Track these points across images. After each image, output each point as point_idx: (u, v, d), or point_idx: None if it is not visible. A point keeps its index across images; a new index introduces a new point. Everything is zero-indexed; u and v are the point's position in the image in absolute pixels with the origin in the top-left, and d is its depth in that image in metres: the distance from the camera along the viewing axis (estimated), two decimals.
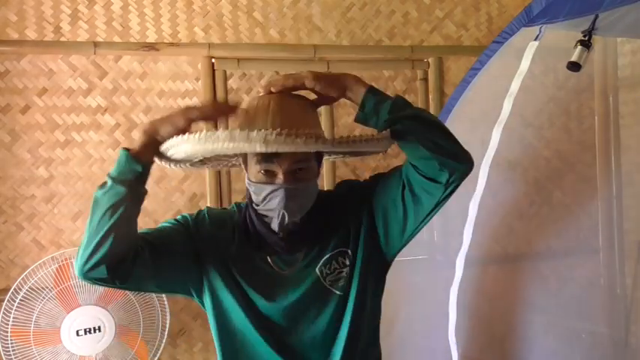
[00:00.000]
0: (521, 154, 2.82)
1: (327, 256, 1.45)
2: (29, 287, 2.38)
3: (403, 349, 2.58)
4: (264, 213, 1.39)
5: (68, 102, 2.69)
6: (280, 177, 1.33)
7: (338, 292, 1.44)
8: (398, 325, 2.59)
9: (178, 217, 1.50)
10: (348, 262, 1.45)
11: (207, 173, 2.77)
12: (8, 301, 2.37)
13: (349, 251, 1.46)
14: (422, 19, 3.11)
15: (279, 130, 1.19)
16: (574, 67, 1.90)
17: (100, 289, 2.42)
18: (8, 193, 2.62)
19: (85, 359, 2.42)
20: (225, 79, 2.83)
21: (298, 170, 1.34)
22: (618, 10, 1.78)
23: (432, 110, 3.08)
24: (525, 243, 2.85)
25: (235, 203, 1.57)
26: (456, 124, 2.36)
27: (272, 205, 1.34)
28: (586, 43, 1.88)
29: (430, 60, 3.07)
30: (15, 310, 2.35)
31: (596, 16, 1.84)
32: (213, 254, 1.45)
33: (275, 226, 1.38)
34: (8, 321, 2.35)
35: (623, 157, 3.03)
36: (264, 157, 1.32)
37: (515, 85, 2.20)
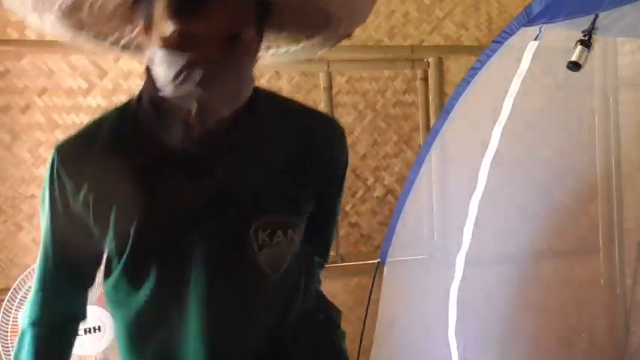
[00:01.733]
0: (521, 154, 2.81)
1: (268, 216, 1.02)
2: (29, 287, 2.38)
3: (403, 349, 2.58)
4: (173, 101, 0.96)
5: (68, 102, 2.68)
6: (205, 46, 0.91)
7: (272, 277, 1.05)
8: (398, 326, 2.59)
9: (44, 200, 1.08)
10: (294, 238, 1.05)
11: None
12: (8, 301, 2.37)
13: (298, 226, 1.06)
14: (422, 19, 3.11)
15: None
16: (574, 67, 1.90)
17: (101, 289, 2.42)
18: (8, 193, 2.62)
19: (85, 359, 2.42)
20: None
21: (232, 39, 0.93)
22: (618, 10, 1.79)
23: (431, 110, 3.08)
24: (525, 243, 2.84)
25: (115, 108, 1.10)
26: (456, 124, 2.36)
27: (186, 88, 0.93)
28: (586, 43, 1.88)
29: (430, 60, 3.07)
30: (15, 310, 2.35)
31: (596, 16, 1.85)
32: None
33: (180, 130, 0.97)
34: (8, 321, 2.35)
35: (623, 157, 3.03)
36: (182, 9, 0.90)
37: (515, 85, 2.20)
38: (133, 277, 1.04)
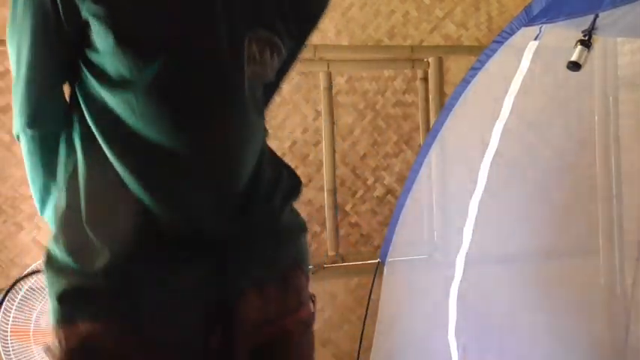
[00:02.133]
0: (521, 154, 2.81)
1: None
2: (29, 287, 2.38)
3: (403, 349, 2.58)
4: None
5: None
6: None
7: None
8: (398, 326, 2.59)
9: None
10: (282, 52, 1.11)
11: None
12: (8, 300, 2.37)
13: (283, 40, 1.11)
14: (422, 19, 3.11)
15: None
16: (574, 66, 1.90)
17: None
18: (8, 193, 2.62)
19: None
20: None
21: None
22: (618, 10, 1.79)
23: (432, 110, 3.09)
24: (525, 243, 2.84)
25: None
26: (456, 124, 2.37)
27: None
28: (586, 43, 1.88)
29: (430, 60, 3.08)
30: (15, 309, 2.35)
31: (596, 16, 1.85)
32: None
33: None
34: (8, 321, 2.35)
35: (623, 157, 3.03)
36: None
37: (515, 85, 2.20)
38: (133, 56, 0.96)
